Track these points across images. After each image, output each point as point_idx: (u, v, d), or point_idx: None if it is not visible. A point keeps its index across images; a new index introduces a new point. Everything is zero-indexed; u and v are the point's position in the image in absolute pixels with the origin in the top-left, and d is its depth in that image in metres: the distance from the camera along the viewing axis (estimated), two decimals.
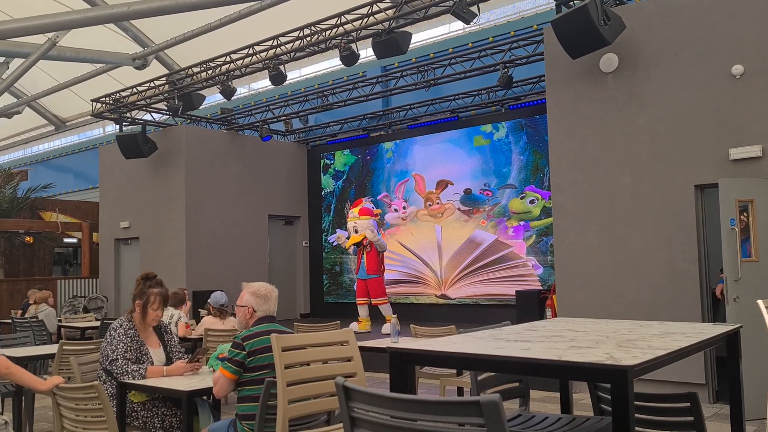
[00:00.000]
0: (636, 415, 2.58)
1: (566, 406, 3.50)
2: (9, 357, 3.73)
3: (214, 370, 3.95)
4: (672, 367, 3.14)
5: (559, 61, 7.66)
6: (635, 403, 2.53)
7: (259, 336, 3.59)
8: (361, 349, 3.78)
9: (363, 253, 10.81)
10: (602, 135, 7.43)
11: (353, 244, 10.89)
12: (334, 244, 11.48)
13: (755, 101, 6.51)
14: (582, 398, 6.09)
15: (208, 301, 7.45)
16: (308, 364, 3.58)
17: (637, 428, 2.74)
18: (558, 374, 2.71)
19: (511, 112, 11.81)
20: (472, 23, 8.61)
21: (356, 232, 10.83)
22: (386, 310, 10.69)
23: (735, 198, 6.29)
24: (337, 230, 11.58)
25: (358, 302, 10.88)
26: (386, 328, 10.24)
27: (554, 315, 8.36)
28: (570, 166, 7.67)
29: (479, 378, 3.24)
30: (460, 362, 2.94)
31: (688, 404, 2.93)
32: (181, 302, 7.55)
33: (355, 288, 11.11)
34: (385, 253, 11.09)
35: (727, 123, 6.64)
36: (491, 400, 1.73)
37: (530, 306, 9.55)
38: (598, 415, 3.33)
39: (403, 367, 2.60)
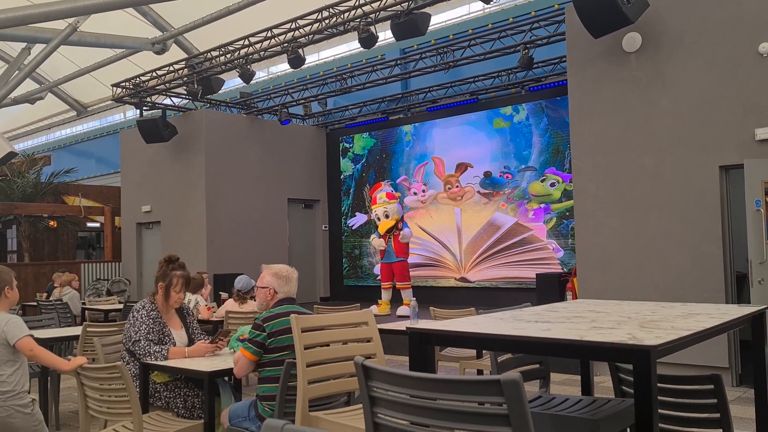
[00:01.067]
0: (658, 396, 2.55)
1: (587, 388, 3.47)
2: (35, 338, 3.78)
3: (235, 352, 3.97)
4: (695, 350, 3.10)
5: (581, 41, 7.55)
6: (657, 384, 2.50)
7: (280, 317, 3.60)
8: (381, 331, 3.78)
9: (390, 238, 10.77)
10: (624, 116, 7.33)
11: (387, 229, 10.76)
12: (376, 250, 11.22)
13: None
14: (603, 381, 6.07)
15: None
16: (328, 345, 3.60)
17: (659, 410, 2.71)
18: (579, 354, 2.69)
19: (531, 93, 11.68)
20: (492, 3, 8.52)
21: (387, 216, 10.74)
22: (407, 294, 10.70)
23: (761, 179, 6.18)
24: (375, 237, 11.20)
25: (383, 287, 10.88)
26: (402, 310, 10.26)
27: (575, 298, 8.30)
28: (591, 148, 7.58)
29: (499, 359, 3.23)
30: (480, 342, 2.93)
31: (712, 386, 2.89)
32: (200, 287, 7.60)
33: (380, 272, 11.06)
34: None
35: (754, 102, 6.51)
36: (512, 379, 1.72)
37: (550, 289, 9.50)
38: (620, 397, 3.30)
39: (422, 347, 2.60)
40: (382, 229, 10.79)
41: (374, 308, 10.47)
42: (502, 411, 1.78)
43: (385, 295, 10.83)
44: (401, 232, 10.71)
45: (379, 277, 13.54)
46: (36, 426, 3.64)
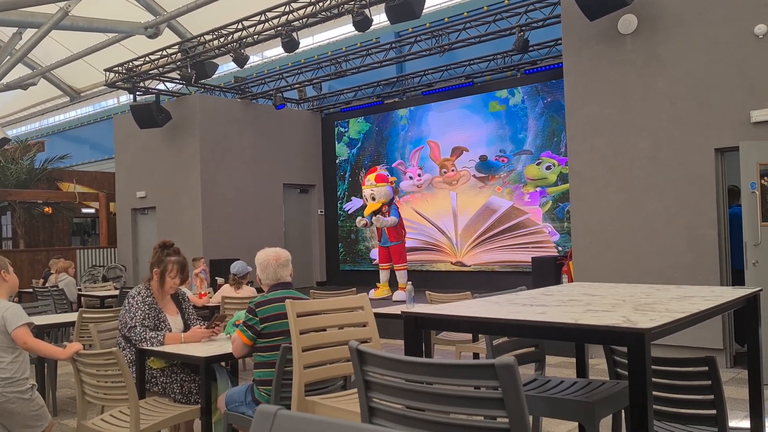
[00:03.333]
0: (653, 378, 2.56)
1: (582, 370, 3.48)
2: (33, 325, 3.77)
3: (232, 337, 3.98)
4: (690, 332, 3.11)
5: (577, 23, 7.50)
6: (652, 366, 2.51)
7: (272, 303, 3.59)
8: (376, 315, 3.79)
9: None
10: (620, 98, 7.31)
11: (372, 212, 10.84)
12: (360, 225, 11.35)
13: None
14: (598, 363, 6.10)
15: None
16: (324, 330, 3.60)
17: (653, 392, 2.72)
18: (574, 338, 2.69)
19: (527, 76, 11.63)
20: None
21: (373, 199, 10.78)
22: (402, 277, 10.78)
23: (756, 161, 6.18)
24: (358, 217, 11.52)
25: (380, 267, 11.08)
26: (398, 295, 10.31)
27: (570, 281, 8.33)
28: (587, 131, 7.56)
29: (495, 343, 3.23)
30: (474, 326, 2.93)
31: (706, 368, 2.89)
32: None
33: (378, 254, 11.28)
34: (403, 219, 11.18)
35: (749, 85, 6.49)
36: (506, 363, 1.72)
37: (546, 272, 9.53)
38: (614, 379, 3.31)
39: (417, 331, 2.60)
40: (366, 212, 10.94)
41: (371, 292, 10.53)
42: (497, 395, 1.78)
43: (383, 276, 10.99)
44: (379, 218, 10.70)
45: (375, 261, 13.62)
46: (36, 411, 3.63)
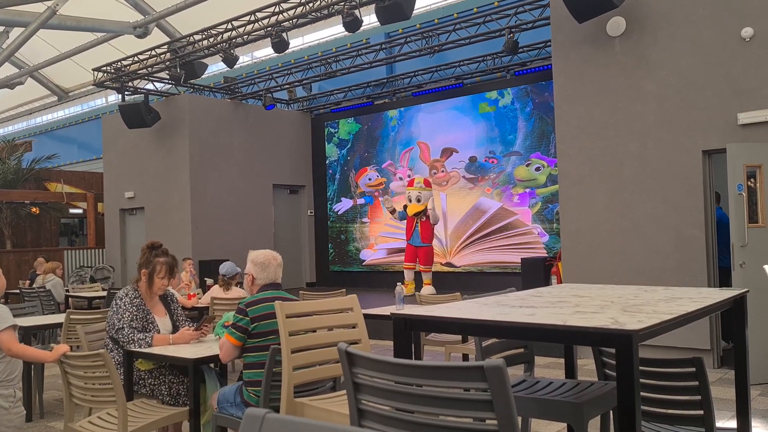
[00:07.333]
0: (641, 379, 2.57)
1: (571, 371, 3.49)
2: (19, 326, 3.67)
3: (220, 338, 3.96)
4: (677, 333, 3.13)
5: (566, 25, 7.54)
6: (640, 367, 2.52)
7: (263, 303, 3.59)
8: (367, 316, 3.79)
9: (417, 222, 11.24)
10: (609, 100, 7.34)
11: (414, 213, 11.20)
12: (386, 206, 11.67)
13: (765, 65, 6.40)
14: (586, 364, 6.13)
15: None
16: (314, 331, 3.59)
17: (641, 393, 2.73)
18: (562, 339, 2.70)
19: (516, 78, 11.67)
20: None
21: (419, 201, 11.09)
22: (428, 276, 11.32)
23: (743, 163, 6.23)
24: (386, 195, 11.94)
25: (405, 266, 11.46)
26: (426, 290, 10.89)
27: (559, 282, 8.36)
28: (576, 133, 7.60)
29: (484, 344, 3.24)
30: (464, 328, 2.94)
31: (693, 369, 2.91)
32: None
33: (405, 252, 11.64)
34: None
35: (736, 87, 6.54)
36: (495, 365, 1.72)
37: (536, 273, 9.55)
38: (603, 380, 3.33)
39: (407, 333, 2.60)
40: (410, 211, 11.23)
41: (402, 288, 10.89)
42: (486, 396, 1.78)
43: (408, 275, 11.38)
44: (431, 213, 11.26)
45: (365, 262, 13.64)
46: (7, 429, 3.40)
